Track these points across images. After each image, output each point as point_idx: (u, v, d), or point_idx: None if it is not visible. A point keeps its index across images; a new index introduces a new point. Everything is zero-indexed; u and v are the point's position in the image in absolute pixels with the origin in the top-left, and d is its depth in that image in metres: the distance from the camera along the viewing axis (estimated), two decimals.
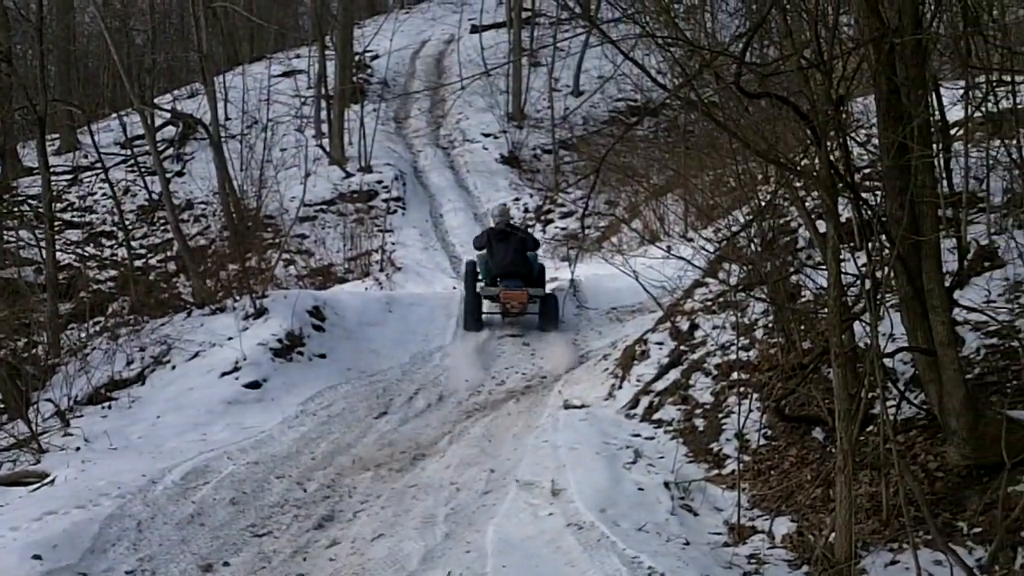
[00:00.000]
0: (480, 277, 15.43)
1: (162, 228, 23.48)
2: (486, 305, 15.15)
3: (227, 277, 16.73)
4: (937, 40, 7.02)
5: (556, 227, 21.72)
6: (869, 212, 7.38)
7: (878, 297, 7.23)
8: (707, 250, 13.02)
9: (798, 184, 9.03)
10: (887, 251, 7.30)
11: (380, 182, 23.83)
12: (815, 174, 7.17)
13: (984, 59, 8.27)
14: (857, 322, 7.73)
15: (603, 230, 20.92)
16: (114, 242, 23.64)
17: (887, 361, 7.67)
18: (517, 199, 23.48)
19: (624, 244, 18.87)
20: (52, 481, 9.11)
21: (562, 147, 26.80)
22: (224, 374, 12.26)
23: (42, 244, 16.02)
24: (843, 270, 7.45)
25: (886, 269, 7.27)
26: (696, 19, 31.23)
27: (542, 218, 22.31)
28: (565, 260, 19.78)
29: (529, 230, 18.87)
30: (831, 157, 7.04)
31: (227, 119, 25.60)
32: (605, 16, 32.66)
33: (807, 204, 9.36)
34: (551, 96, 27.75)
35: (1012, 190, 9.69)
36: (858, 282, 7.77)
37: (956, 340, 7.39)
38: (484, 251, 15.49)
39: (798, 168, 7.42)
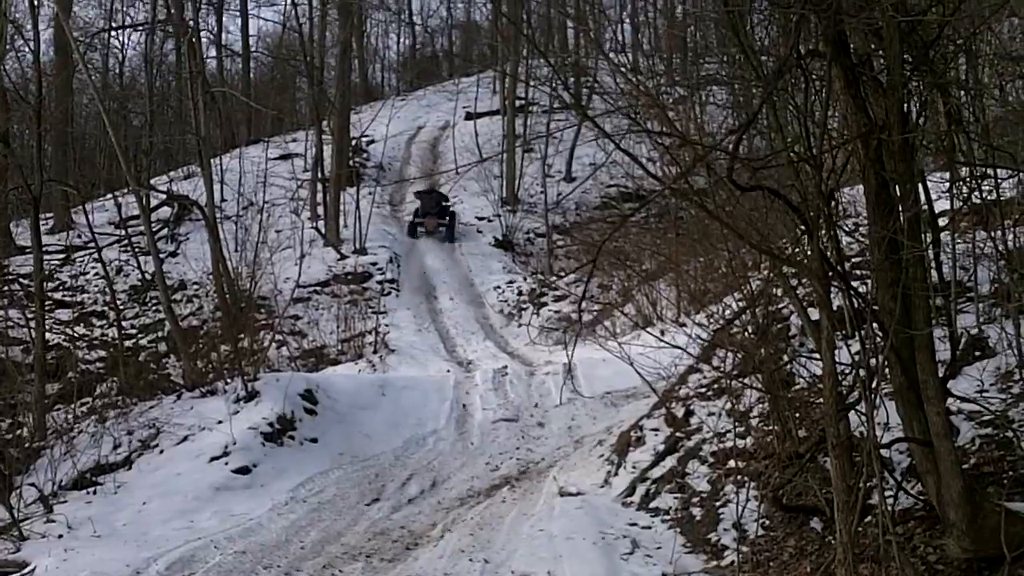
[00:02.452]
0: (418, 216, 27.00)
1: (154, 308, 23.43)
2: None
3: (218, 359, 16.66)
4: (923, 137, 7.12)
5: (550, 310, 21.75)
6: (861, 302, 7.41)
7: (873, 386, 7.25)
8: (701, 337, 13.04)
9: (790, 273, 9.09)
10: (880, 341, 7.33)
11: (375, 264, 23.92)
12: (807, 265, 7.23)
13: (968, 154, 8.37)
14: (853, 411, 7.71)
15: (596, 314, 20.92)
16: (105, 322, 23.53)
17: (884, 451, 7.63)
18: (511, 282, 23.55)
19: (618, 328, 18.86)
20: (32, 571, 8.96)
21: (555, 232, 26.97)
22: (213, 459, 12.14)
23: (32, 323, 15.94)
24: (837, 359, 7.48)
25: (880, 359, 7.28)
26: (685, 109, 31.75)
27: (535, 301, 22.36)
28: (559, 344, 19.76)
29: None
30: (822, 248, 7.10)
31: (223, 200, 25.76)
32: (596, 106, 33.22)
33: (799, 293, 9.42)
34: (544, 182, 28.03)
35: (999, 280, 9.77)
36: (852, 370, 7.76)
37: (952, 431, 7.37)
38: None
39: (790, 259, 7.45)
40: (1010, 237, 9.03)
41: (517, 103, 32.41)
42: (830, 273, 7.07)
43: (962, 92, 7.63)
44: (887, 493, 7.38)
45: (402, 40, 51.30)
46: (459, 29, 52.08)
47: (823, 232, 7.05)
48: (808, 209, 6.97)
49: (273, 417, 12.90)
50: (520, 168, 30.18)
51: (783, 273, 8.89)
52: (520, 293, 22.83)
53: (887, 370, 7.29)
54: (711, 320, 15.13)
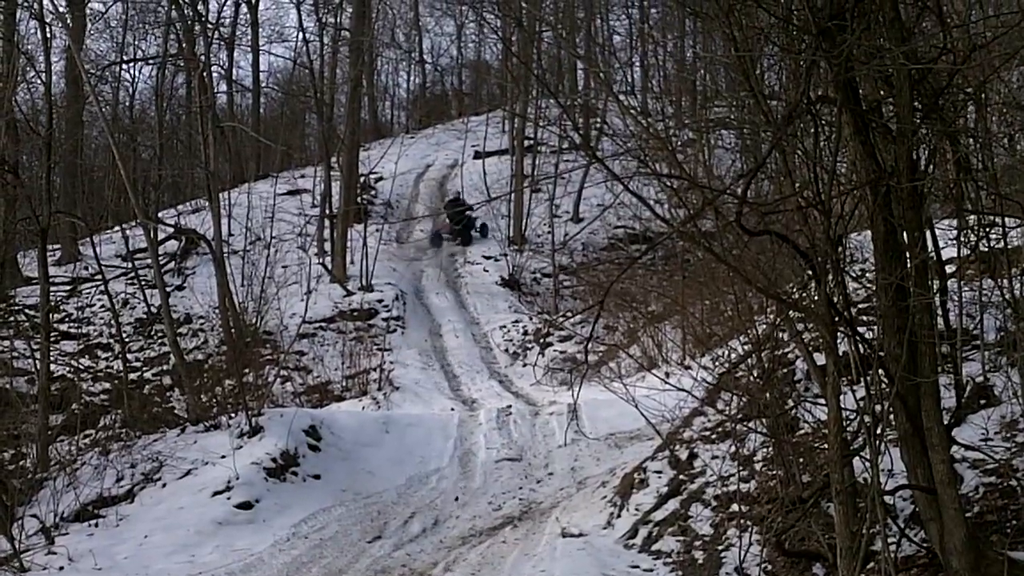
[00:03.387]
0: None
1: (159, 341, 23.46)
2: None
3: (223, 393, 16.68)
4: (932, 185, 7.16)
5: (555, 350, 21.74)
6: (867, 348, 7.42)
7: (877, 433, 7.24)
8: (706, 380, 13.03)
9: (796, 318, 9.10)
10: (885, 387, 7.33)
11: (380, 301, 23.96)
12: (814, 310, 7.26)
13: (975, 202, 8.41)
14: (857, 457, 7.70)
15: (601, 355, 20.92)
16: (110, 354, 23.56)
17: (887, 498, 7.62)
18: (517, 321, 23.57)
19: (623, 370, 18.86)
20: None
21: (562, 272, 27.03)
22: (216, 493, 12.12)
23: (37, 354, 15.99)
24: (842, 405, 7.48)
25: (885, 406, 7.29)
26: (694, 152, 31.92)
27: (541, 341, 22.37)
28: (563, 384, 19.74)
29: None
30: (829, 294, 7.13)
31: (230, 235, 25.88)
32: (605, 147, 33.41)
33: (804, 337, 9.43)
34: (552, 222, 28.13)
35: (1005, 328, 9.78)
36: (856, 416, 7.76)
37: (956, 478, 7.36)
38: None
39: (797, 304, 7.48)
40: (1016, 285, 9.07)
41: (526, 143, 32.57)
42: (836, 319, 7.09)
43: (971, 140, 7.66)
44: (890, 540, 7.36)
45: (412, 78, 51.68)
46: (469, 68, 52.43)
47: (830, 278, 7.09)
48: (816, 255, 7.01)
49: (276, 453, 12.88)
50: (528, 208, 30.28)
51: (789, 318, 8.91)
52: (525, 333, 22.84)
53: (892, 417, 7.31)
54: (716, 363, 15.18)
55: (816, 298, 7.10)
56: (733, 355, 14.66)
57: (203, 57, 25.73)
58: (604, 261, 28.39)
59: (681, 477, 11.22)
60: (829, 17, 7.12)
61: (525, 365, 21.52)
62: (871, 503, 7.01)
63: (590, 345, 21.61)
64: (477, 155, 36.35)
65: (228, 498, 12.05)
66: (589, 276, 27.46)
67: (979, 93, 7.16)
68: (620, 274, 7.09)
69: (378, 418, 15.64)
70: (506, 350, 22.38)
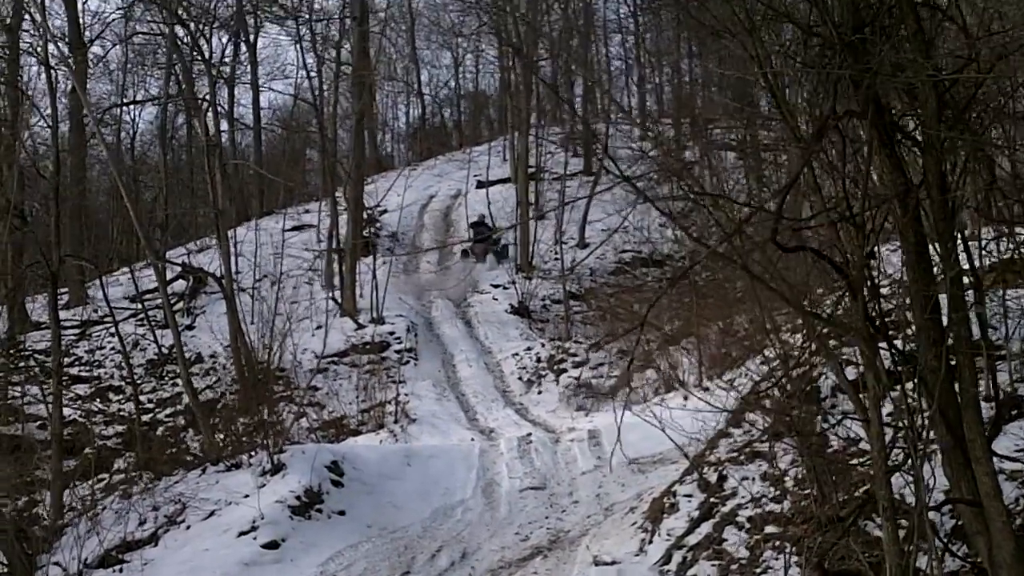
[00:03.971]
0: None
1: (171, 382, 23.35)
2: None
3: (239, 431, 16.57)
4: (964, 197, 7.12)
5: (569, 376, 21.60)
6: (905, 362, 7.35)
7: (921, 448, 7.17)
8: (731, 400, 12.95)
9: (827, 335, 9.03)
10: (923, 400, 7.27)
11: (392, 333, 23.83)
12: (851, 326, 7.20)
13: (1001, 212, 8.38)
14: (896, 473, 7.61)
15: (616, 379, 20.82)
16: (122, 397, 23.45)
17: (930, 513, 7.51)
18: (529, 348, 23.45)
19: (642, 393, 18.77)
20: None
21: (571, 298, 26.95)
22: (241, 534, 12.04)
23: (49, 400, 15.92)
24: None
25: (924, 419, 7.21)
26: (696, 173, 31.94)
27: (555, 368, 22.23)
28: (581, 410, 19.63)
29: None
30: (867, 309, 7.07)
31: (238, 273, 25.78)
32: (612, 170, 33.43)
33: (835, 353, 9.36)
34: (561, 248, 28.09)
35: None
36: (895, 431, 7.67)
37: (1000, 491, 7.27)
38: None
39: (835, 320, 7.42)
40: None
41: (528, 170, 32.59)
42: (875, 333, 7.03)
43: (996, 151, 7.62)
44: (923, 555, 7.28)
45: (411, 111, 51.83)
46: (467, 99, 52.61)
47: (866, 293, 7.04)
48: (851, 269, 6.96)
49: (300, 490, 12.78)
50: (534, 235, 30.25)
51: (820, 335, 8.83)
52: (538, 360, 22.71)
53: (931, 430, 7.23)
54: (733, 384, 15.08)
55: (853, 313, 7.05)
56: (756, 375, 14.62)
57: (208, 96, 25.78)
58: (612, 285, 28.36)
59: (712, 500, 11.12)
60: (852, 31, 7.12)
61: (540, 392, 21.40)
62: (918, 519, 6.94)
63: (606, 369, 21.68)
64: (480, 184, 36.36)
65: (254, 538, 11.95)
66: (598, 301, 27.43)
67: (1006, 103, 7.09)
68: (658, 296, 6.98)
69: (399, 451, 15.54)
70: (520, 378, 22.25)
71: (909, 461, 7.32)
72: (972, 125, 7.14)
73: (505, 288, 27.61)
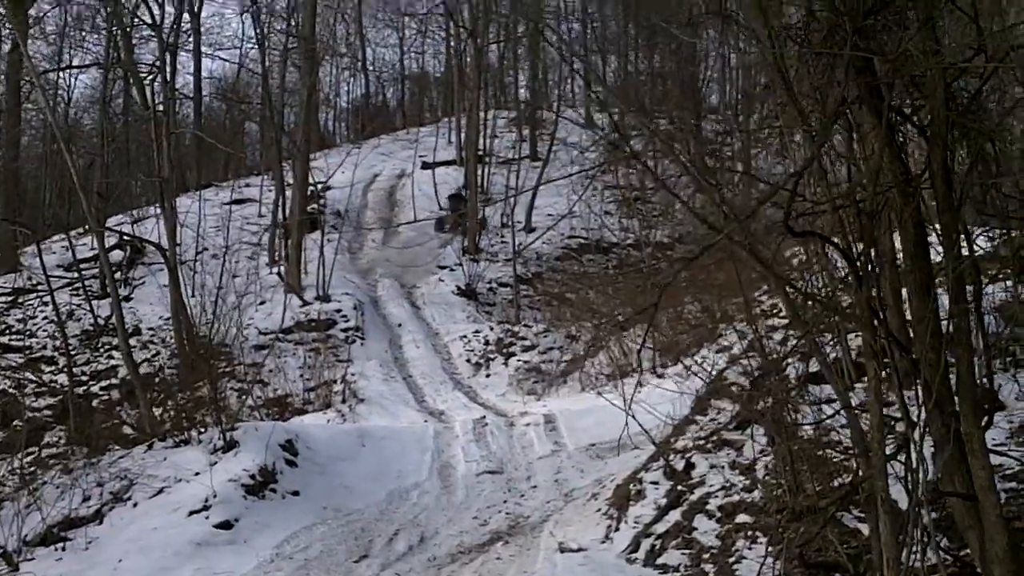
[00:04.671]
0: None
1: (106, 354, 22.69)
2: None
3: (180, 406, 16.07)
4: (970, 190, 7.02)
5: (519, 360, 21.43)
6: (903, 353, 7.25)
7: (917, 439, 7.08)
8: (694, 385, 12.88)
9: (816, 320, 8.92)
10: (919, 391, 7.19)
11: (339, 311, 23.41)
12: (854, 314, 7.09)
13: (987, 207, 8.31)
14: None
15: (566, 365, 20.72)
16: (54, 368, 22.75)
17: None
18: (477, 331, 23.22)
19: (595, 379, 18.67)
20: None
21: (519, 282, 26.77)
22: (192, 513, 11.62)
23: None
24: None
25: (920, 411, 7.13)
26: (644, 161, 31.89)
27: (504, 351, 22.03)
28: (531, 394, 19.47)
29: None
30: (870, 297, 6.95)
31: (178, 244, 25.10)
32: (560, 157, 33.40)
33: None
34: (513, 231, 27.86)
35: (998, 333, 9.75)
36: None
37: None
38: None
39: (838, 307, 7.30)
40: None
41: (477, 153, 32.34)
42: (877, 323, 6.92)
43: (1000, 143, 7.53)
44: (916, 549, 7.20)
45: (353, 89, 51.15)
46: (411, 80, 52.07)
47: (870, 281, 6.92)
48: (856, 257, 6.83)
49: (254, 469, 12.40)
50: (482, 217, 30.01)
51: (805, 321, 8.71)
52: (487, 343, 22.49)
53: (927, 422, 7.15)
54: (690, 371, 15.02)
55: (856, 300, 6.93)
56: (713, 362, 14.59)
57: (157, 62, 25.03)
58: (561, 271, 28.28)
59: (680, 488, 10.98)
60: (862, 16, 6.99)
61: (489, 376, 21.19)
62: (914, 512, 6.85)
63: (555, 354, 21.56)
64: (425, 165, 36.02)
65: (206, 517, 11.56)
66: (545, 285, 27.32)
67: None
68: (674, 276, 6.81)
69: (353, 431, 15.21)
70: (468, 360, 22.02)
71: (902, 453, 7.24)
72: (980, 116, 7.02)
73: (452, 270, 27.33)
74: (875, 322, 6.98)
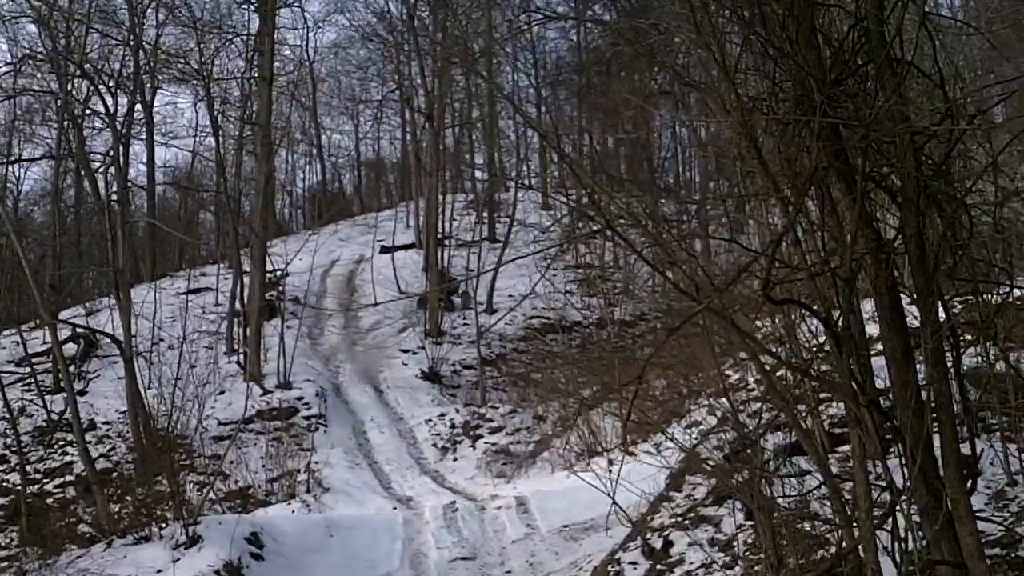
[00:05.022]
0: None
1: (60, 451, 22.08)
2: None
3: (139, 502, 15.62)
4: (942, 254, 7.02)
5: (486, 442, 21.13)
6: (886, 421, 7.17)
7: (903, 508, 6.97)
8: (668, 461, 12.71)
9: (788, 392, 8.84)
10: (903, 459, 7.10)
11: (300, 399, 23.01)
12: (835, 382, 7.01)
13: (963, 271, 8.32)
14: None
15: (534, 446, 20.45)
16: (6, 466, 22.07)
17: None
18: (442, 414, 22.91)
19: (562, 459, 18.42)
20: None
21: (483, 363, 26.56)
22: None
23: None
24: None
25: (904, 479, 7.03)
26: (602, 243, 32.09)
27: (470, 434, 21.73)
28: (500, 476, 19.17)
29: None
30: (851, 366, 6.89)
31: (133, 336, 24.69)
32: (522, 237, 33.52)
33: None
34: (476, 313, 27.72)
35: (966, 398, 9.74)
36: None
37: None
38: None
39: (821, 377, 7.22)
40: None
41: (431, 236, 32.38)
42: (860, 391, 6.85)
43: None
44: None
45: (309, 176, 51.26)
46: (367, 166, 52.32)
47: (851, 350, 6.87)
48: (835, 324, 6.78)
49: (219, 564, 11.99)
50: (442, 301, 29.87)
51: (780, 392, 8.62)
52: (453, 426, 22.19)
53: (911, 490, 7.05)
54: (660, 450, 14.85)
55: (837, 368, 6.87)
56: (684, 437, 14.41)
57: (111, 153, 24.88)
58: (521, 351, 28.17)
59: (659, 567, 10.79)
60: (830, 85, 7.05)
61: (456, 459, 20.86)
62: None
63: (522, 435, 21.30)
64: (384, 249, 36.00)
65: None
66: (508, 367, 27.15)
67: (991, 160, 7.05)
68: (658, 348, 6.69)
69: (320, 521, 14.81)
70: (434, 444, 21.68)
71: (887, 522, 7.12)
72: (950, 180, 7.06)
73: (414, 353, 27.09)
74: (857, 390, 6.92)
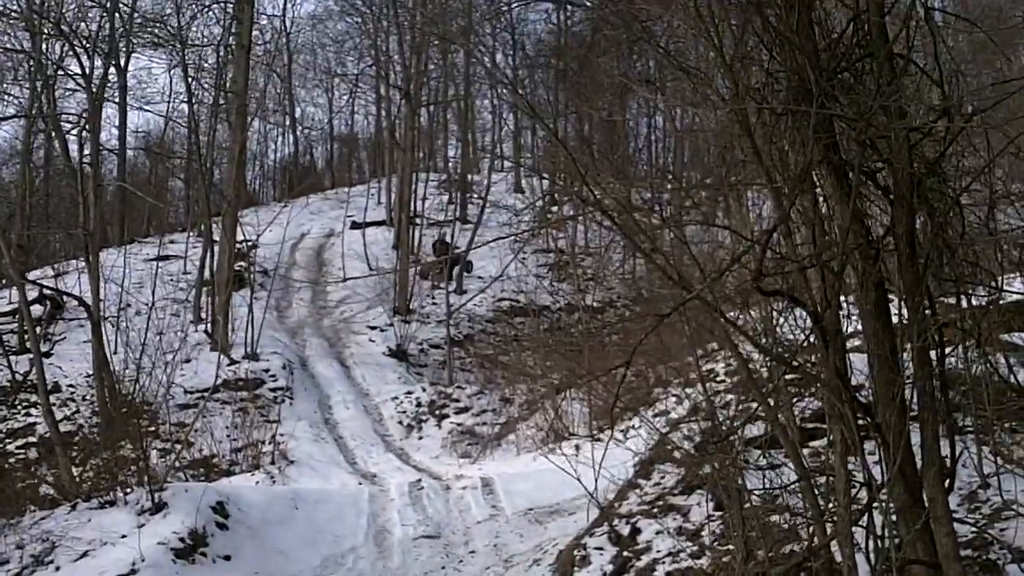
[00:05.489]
0: None
1: (24, 412, 21.81)
2: None
3: (101, 466, 15.43)
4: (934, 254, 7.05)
5: (452, 422, 21.10)
6: (867, 417, 7.20)
7: (883, 506, 7.02)
8: (636, 448, 12.75)
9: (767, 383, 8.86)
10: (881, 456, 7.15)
11: (267, 371, 22.87)
12: (820, 377, 7.04)
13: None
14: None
15: (500, 428, 20.45)
16: None
17: None
18: (409, 392, 22.85)
19: (529, 442, 18.45)
20: None
21: (451, 343, 26.52)
22: None
23: None
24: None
25: (883, 477, 7.08)
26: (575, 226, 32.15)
27: (436, 413, 21.69)
28: (465, 457, 19.16)
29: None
30: (836, 361, 6.91)
31: (102, 300, 24.40)
32: (490, 219, 33.44)
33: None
34: (447, 294, 27.60)
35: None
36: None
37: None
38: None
39: (804, 370, 7.24)
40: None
41: (403, 214, 32.25)
42: (844, 386, 6.88)
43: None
44: None
45: (280, 148, 50.88)
46: (339, 141, 51.99)
47: (837, 344, 6.88)
48: (824, 319, 6.80)
49: (184, 532, 11.86)
50: (413, 278, 29.76)
51: (756, 382, 8.64)
52: (419, 404, 22.13)
53: (889, 488, 7.09)
54: (627, 436, 14.90)
55: (822, 363, 6.89)
56: (652, 426, 14.45)
57: (85, 114, 24.51)
58: (492, 333, 28.14)
59: (626, 554, 10.79)
60: (828, 77, 7.04)
61: (421, 438, 20.83)
62: None
63: (488, 416, 21.29)
64: (355, 225, 35.84)
65: None
66: (476, 347, 27.15)
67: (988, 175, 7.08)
68: (646, 334, 6.70)
69: (286, 494, 14.70)
70: (400, 422, 21.62)
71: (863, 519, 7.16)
72: (944, 179, 7.08)
73: (382, 330, 26.99)
74: (841, 385, 6.94)
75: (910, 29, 6.75)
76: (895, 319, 7.20)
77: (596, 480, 11.31)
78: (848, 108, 7.03)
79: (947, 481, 7.67)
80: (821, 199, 7.23)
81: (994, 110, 6.99)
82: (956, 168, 7.36)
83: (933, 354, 7.25)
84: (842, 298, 7.41)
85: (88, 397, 21.41)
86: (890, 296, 7.32)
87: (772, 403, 8.65)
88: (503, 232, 32.51)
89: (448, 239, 32.24)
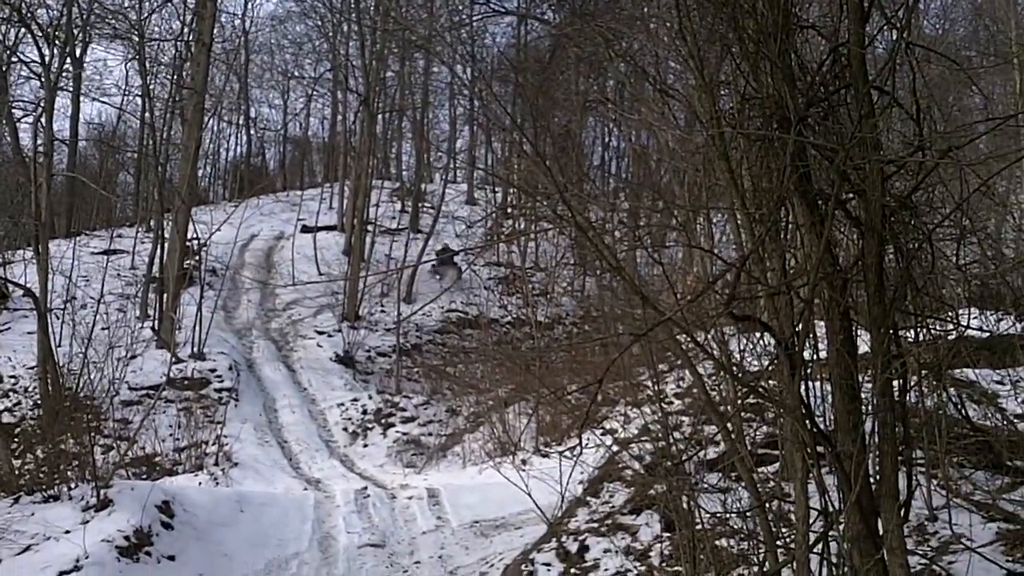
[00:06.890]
0: None
1: None
2: None
3: (41, 460, 15.16)
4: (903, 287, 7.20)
5: (398, 431, 21.03)
6: (826, 445, 7.32)
7: (838, 533, 7.13)
8: (585, 464, 12.80)
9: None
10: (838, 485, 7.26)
11: (214, 371, 22.62)
12: (784, 402, 7.14)
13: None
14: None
15: (446, 439, 20.42)
16: None
17: None
18: (355, 399, 22.73)
19: (475, 454, 18.46)
20: None
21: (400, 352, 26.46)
22: (62, 573, 10.82)
23: None
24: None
25: (839, 506, 7.18)
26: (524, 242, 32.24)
27: (382, 421, 21.60)
28: (410, 466, 19.10)
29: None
30: (799, 387, 7.03)
31: (52, 292, 24.00)
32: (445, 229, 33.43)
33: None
34: (398, 303, 27.57)
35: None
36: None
37: None
38: None
39: (768, 395, 7.35)
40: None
41: (356, 220, 32.13)
42: (807, 412, 6.98)
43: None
44: None
45: (232, 148, 50.46)
46: (292, 143, 51.69)
47: (800, 369, 6.99)
48: (792, 346, 6.91)
49: (130, 530, 11.67)
50: (363, 286, 29.65)
51: (711, 401, 8.73)
52: (365, 412, 22.03)
53: (846, 517, 7.20)
54: (574, 453, 14.95)
55: (787, 389, 6.99)
56: (599, 445, 14.55)
57: (43, 102, 24.14)
58: (437, 343, 28.09)
59: (573, 571, 10.84)
60: (805, 107, 7.17)
61: (366, 446, 20.72)
62: None
63: (434, 427, 21.25)
64: (305, 229, 35.63)
65: None
66: (423, 357, 27.09)
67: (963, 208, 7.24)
68: (623, 350, 6.70)
69: (232, 496, 14.55)
70: (345, 429, 21.50)
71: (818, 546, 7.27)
72: (917, 212, 7.24)
73: (330, 336, 26.83)
74: (805, 412, 7.05)
75: (895, 64, 6.89)
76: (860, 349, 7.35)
77: (530, 491, 11.29)
78: (827, 138, 7.17)
79: (903, 511, 7.85)
80: (793, 227, 7.36)
81: (969, 147, 7.15)
82: (927, 203, 7.52)
83: (895, 385, 7.41)
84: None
85: (31, 389, 21.04)
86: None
87: (730, 428, 8.81)
88: (455, 243, 32.66)
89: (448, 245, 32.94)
